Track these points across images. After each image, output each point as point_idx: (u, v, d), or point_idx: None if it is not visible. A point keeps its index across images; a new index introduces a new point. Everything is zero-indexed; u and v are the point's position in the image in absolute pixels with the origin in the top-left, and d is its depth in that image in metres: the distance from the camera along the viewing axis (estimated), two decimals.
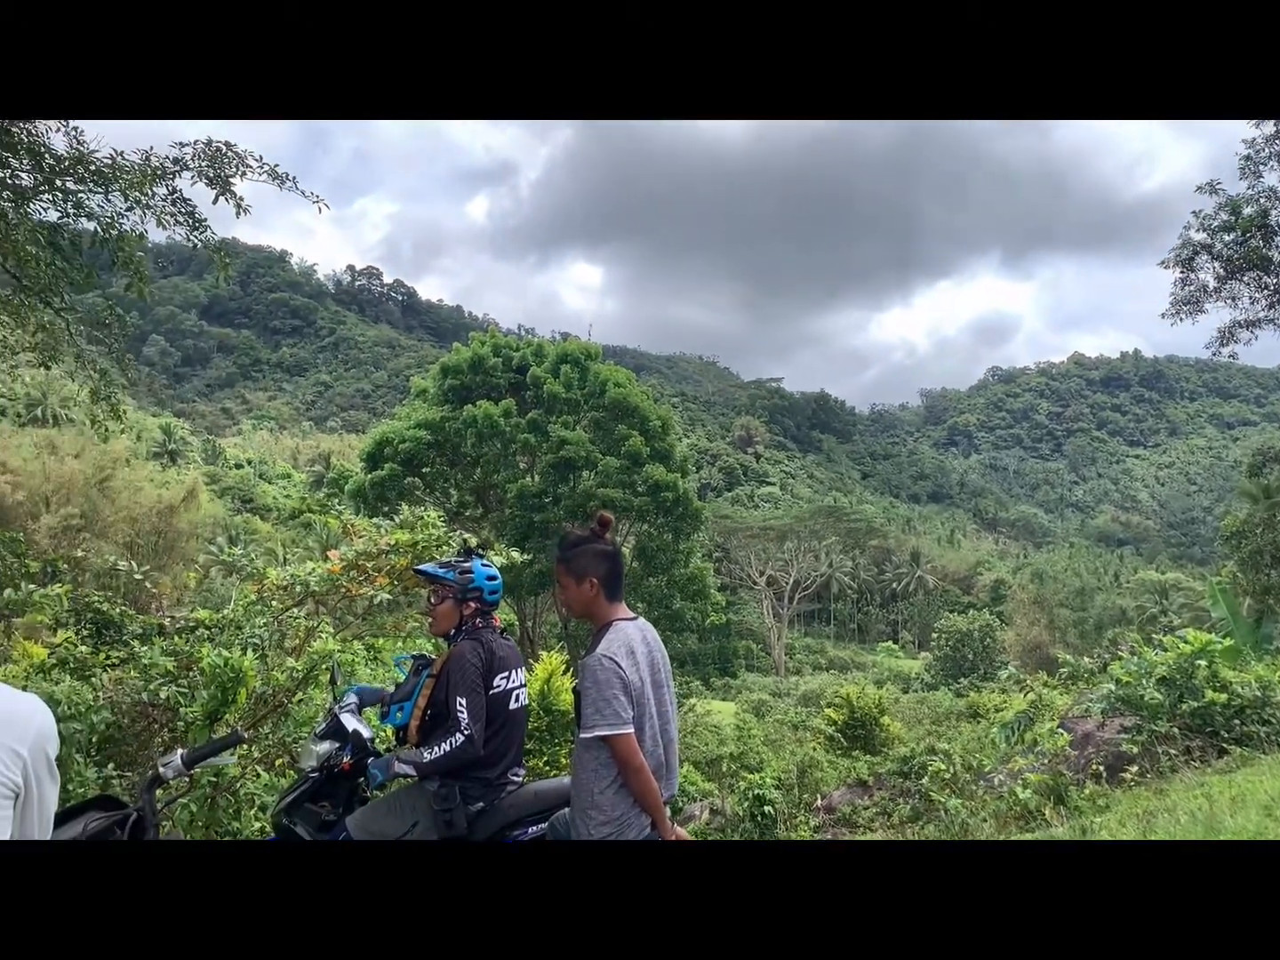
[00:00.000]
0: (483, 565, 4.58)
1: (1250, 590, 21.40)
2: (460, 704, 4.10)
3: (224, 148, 8.38)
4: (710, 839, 13.23)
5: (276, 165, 8.60)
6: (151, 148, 8.30)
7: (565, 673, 10.86)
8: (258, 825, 5.92)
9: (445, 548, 7.16)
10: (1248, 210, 19.44)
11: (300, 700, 6.69)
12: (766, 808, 13.58)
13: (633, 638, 3.59)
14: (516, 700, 4.39)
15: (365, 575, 7.19)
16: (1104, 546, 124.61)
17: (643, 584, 34.11)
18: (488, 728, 4.18)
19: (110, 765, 5.96)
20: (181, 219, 8.63)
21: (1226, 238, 19.95)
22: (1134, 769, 7.96)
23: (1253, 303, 20.40)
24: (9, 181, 8.13)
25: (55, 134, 7.94)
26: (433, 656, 4.66)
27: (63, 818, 2.71)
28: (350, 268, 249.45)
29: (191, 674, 6.40)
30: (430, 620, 4.57)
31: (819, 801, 14.62)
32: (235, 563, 8.20)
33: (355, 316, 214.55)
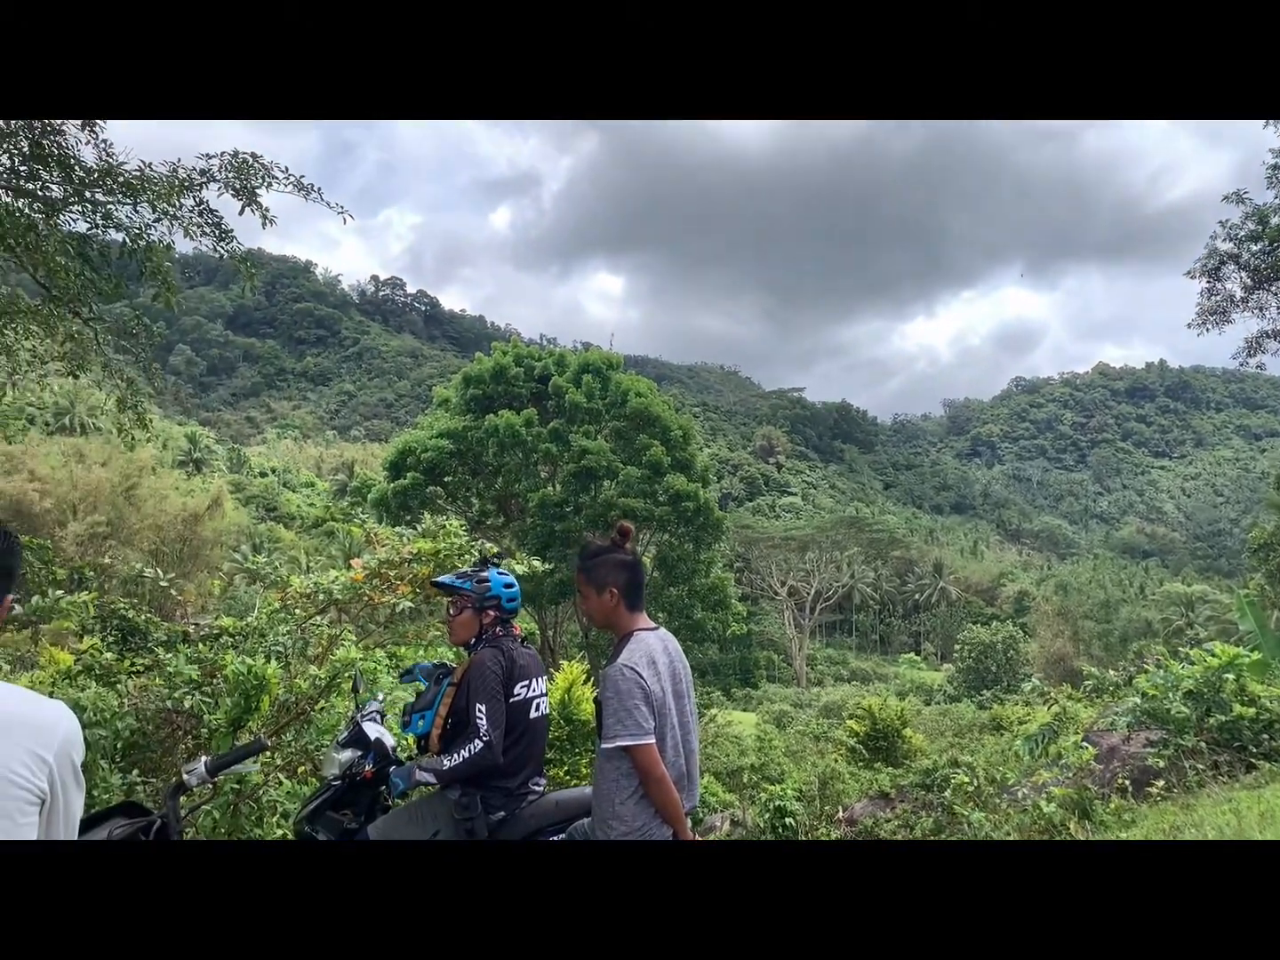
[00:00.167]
0: (499, 574, 4.59)
1: (1278, 603, 21.15)
2: (480, 711, 4.11)
3: (250, 159, 8.46)
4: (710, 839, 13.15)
5: (302, 176, 8.69)
6: (179, 159, 8.40)
7: (586, 682, 10.84)
8: (280, 832, 5.94)
9: (467, 557, 7.18)
10: (1275, 220, 19.26)
11: (322, 708, 6.71)
12: (788, 819, 13.51)
13: (654, 648, 3.58)
14: (537, 709, 4.39)
15: (388, 583, 7.22)
16: (1129, 558, 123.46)
17: (663, 594, 34.05)
18: (507, 736, 4.18)
19: (135, 771, 6.00)
20: (208, 230, 8.72)
21: (1254, 247, 19.78)
22: (1160, 783, 7.86)
23: None
24: (40, 193, 8.23)
25: (85, 146, 8.05)
26: (454, 665, 4.67)
27: (87, 824, 2.73)
28: (374, 278, 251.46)
29: (215, 681, 6.44)
30: (450, 630, 4.59)
31: (840, 814, 14.53)
32: (259, 570, 8.24)
33: (379, 326, 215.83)
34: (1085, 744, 9.49)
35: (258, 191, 8.52)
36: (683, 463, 35.00)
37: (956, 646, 66.63)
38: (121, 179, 8.07)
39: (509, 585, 4.57)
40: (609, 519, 31.16)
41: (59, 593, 8.84)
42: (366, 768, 4.22)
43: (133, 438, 10.14)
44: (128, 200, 8.29)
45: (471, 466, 34.79)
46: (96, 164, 8.09)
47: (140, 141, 8.71)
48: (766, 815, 13.78)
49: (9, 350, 9.75)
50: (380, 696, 4.83)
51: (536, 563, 8.10)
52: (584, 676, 10.94)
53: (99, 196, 8.31)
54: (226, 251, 8.96)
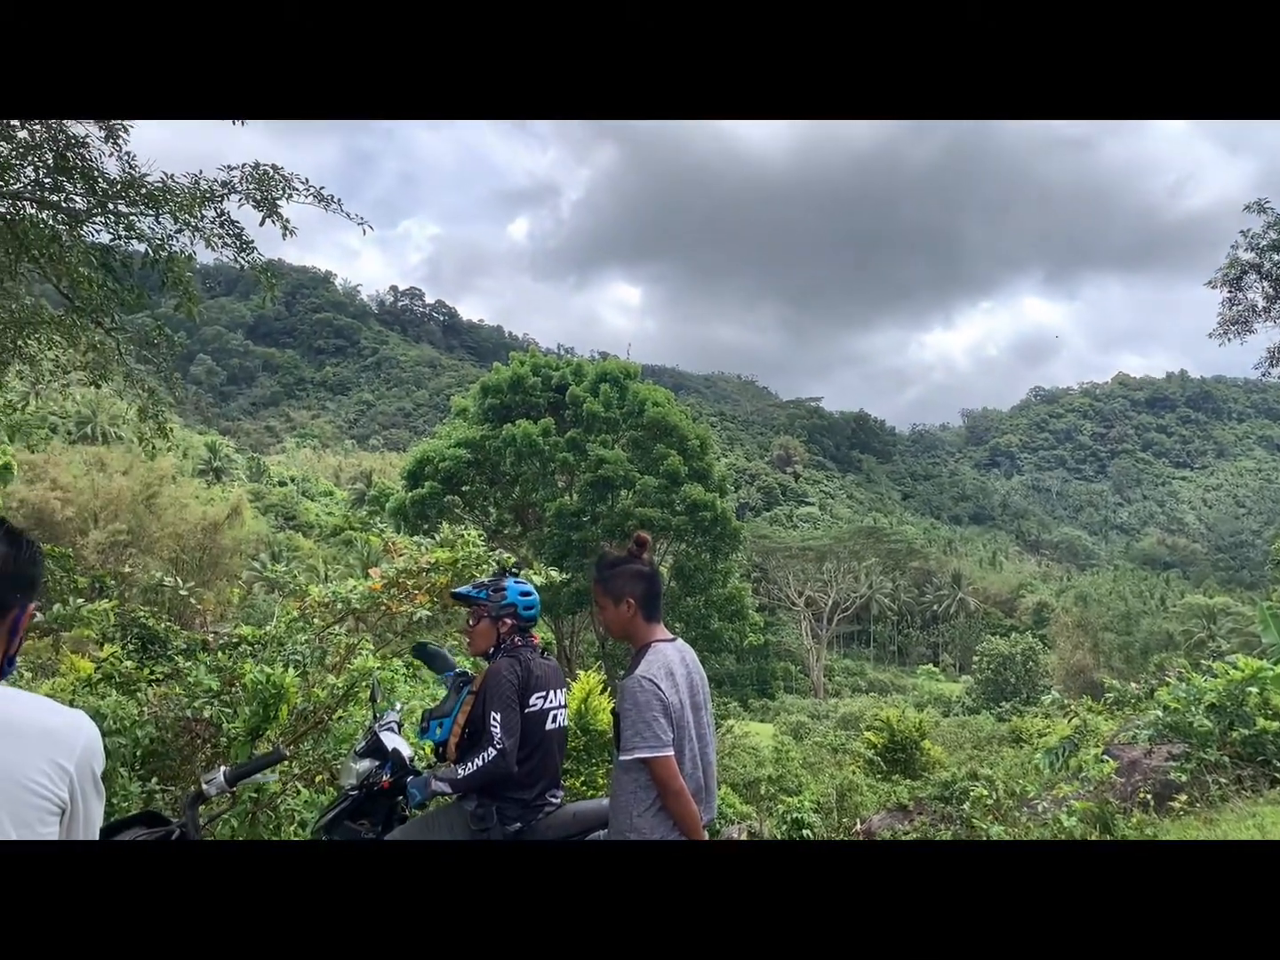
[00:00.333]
0: (516, 583, 4.60)
1: None
2: (494, 719, 4.11)
3: (271, 170, 8.53)
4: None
5: (322, 188, 8.74)
6: (200, 171, 8.47)
7: (603, 692, 10.82)
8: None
9: (485, 566, 7.19)
10: None
11: (340, 717, 6.72)
12: (805, 831, 13.45)
13: (671, 659, 3.57)
14: (554, 720, 4.38)
15: (406, 593, 7.23)
16: (1149, 569, 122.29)
17: (680, 604, 34.01)
18: (523, 746, 4.17)
19: (154, 780, 6.03)
20: (229, 241, 8.79)
21: (1275, 257, 19.66)
22: (1183, 798, 7.78)
23: None
24: (64, 205, 8.32)
25: (108, 158, 8.13)
26: (473, 674, 4.67)
27: (107, 833, 2.74)
28: (393, 288, 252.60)
29: (234, 690, 6.47)
30: (469, 640, 4.59)
31: (858, 826, 14.44)
32: (278, 579, 8.28)
33: (397, 336, 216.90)
34: (1106, 757, 9.40)
35: (278, 202, 8.58)
36: (700, 472, 34.97)
37: (975, 658, 66.31)
38: (144, 190, 8.14)
39: (525, 594, 4.57)
40: (626, 528, 31.18)
41: (80, 601, 8.90)
42: (384, 778, 4.22)
43: (154, 447, 10.22)
44: (150, 211, 8.36)
45: (489, 476, 34.87)
46: (119, 176, 8.17)
47: (162, 152, 8.80)
48: (784, 827, 13.71)
49: (32, 360, 9.84)
50: (398, 706, 4.84)
51: (554, 572, 8.10)
52: (600, 686, 10.92)
53: (122, 208, 8.39)
54: (247, 262, 9.02)
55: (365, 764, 4.29)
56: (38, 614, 2.19)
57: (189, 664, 6.97)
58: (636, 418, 35.09)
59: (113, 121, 7.86)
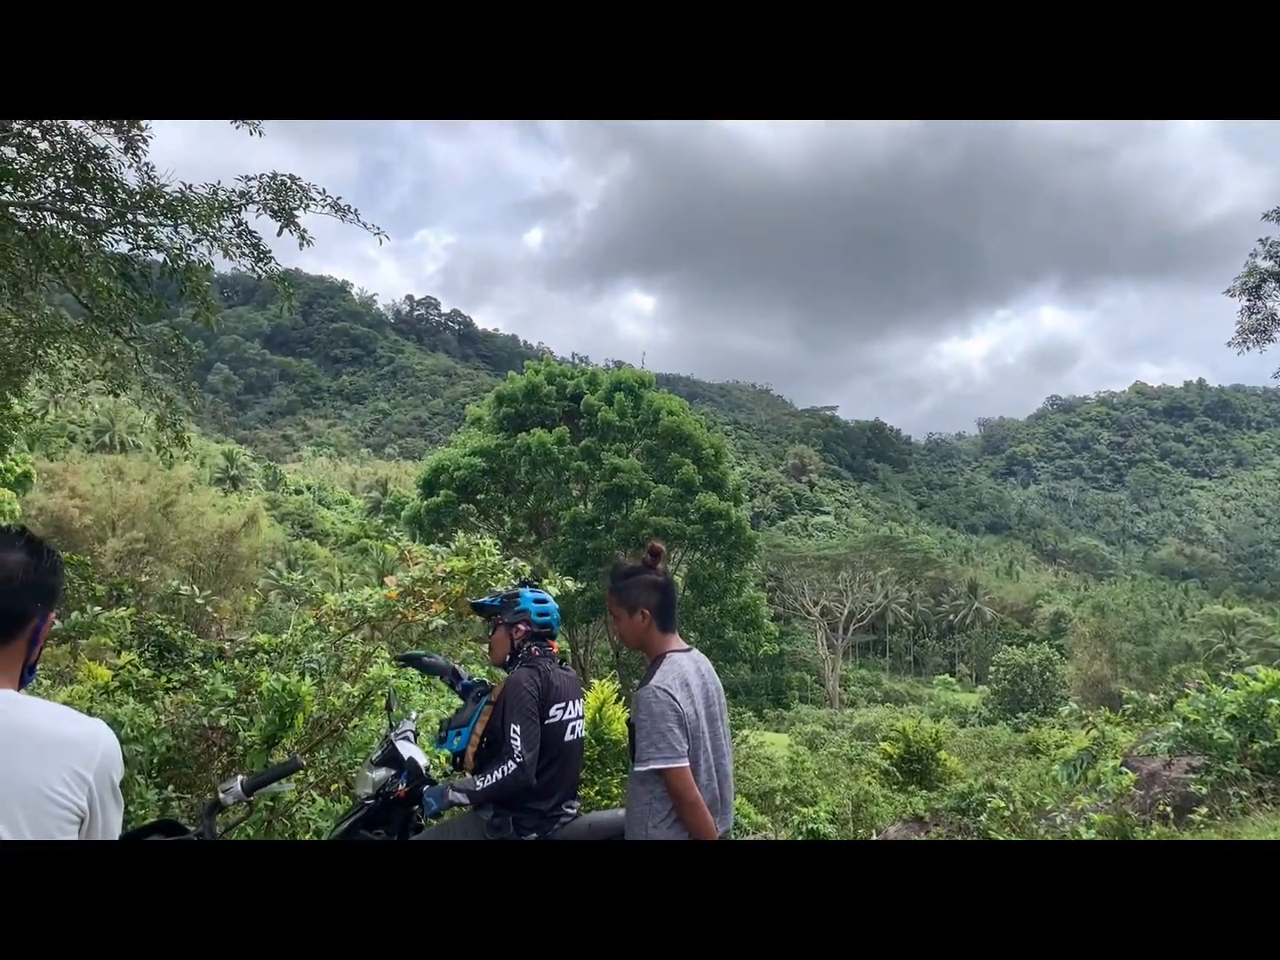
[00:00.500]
0: (531, 592, 4.60)
1: None
2: (514, 731, 4.10)
3: (288, 181, 8.58)
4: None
5: (339, 198, 8.79)
6: (219, 181, 8.54)
7: (617, 701, 10.81)
8: None
9: (500, 575, 7.20)
10: None
11: (356, 726, 6.73)
12: None
13: (687, 670, 3.55)
14: (573, 732, 4.37)
15: (421, 601, 7.24)
16: (1168, 579, 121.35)
17: (695, 613, 33.98)
18: (541, 758, 4.16)
19: (170, 787, 6.04)
20: (247, 250, 8.85)
21: None
22: (1203, 810, 7.70)
23: None
24: (84, 215, 8.39)
25: (128, 169, 8.20)
26: (492, 684, 4.67)
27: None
28: (409, 297, 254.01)
29: (250, 698, 6.48)
30: (488, 649, 4.61)
31: (874, 837, 14.37)
32: (294, 587, 8.31)
33: (413, 345, 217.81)
34: (1125, 769, 9.33)
35: (295, 213, 8.63)
36: (714, 481, 34.96)
37: (992, 668, 65.90)
38: (163, 201, 8.21)
39: (540, 601, 4.57)
40: (640, 537, 31.17)
41: (97, 609, 8.97)
42: (400, 787, 4.21)
43: (171, 455, 10.28)
44: (169, 221, 8.43)
45: (504, 484, 34.95)
46: (139, 186, 8.24)
47: (180, 163, 8.87)
48: (799, 838, 13.65)
49: (52, 369, 9.92)
50: (413, 715, 4.83)
51: (568, 581, 8.12)
52: (615, 696, 10.90)
53: (141, 218, 8.46)
54: (265, 272, 9.08)
55: (381, 773, 4.28)
56: (56, 622, 2.19)
57: (205, 672, 6.99)
58: (651, 426, 35.12)
59: (132, 132, 7.93)
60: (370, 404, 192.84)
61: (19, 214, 8.32)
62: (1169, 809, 7.94)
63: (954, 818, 13.18)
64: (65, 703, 5.37)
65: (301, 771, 6.17)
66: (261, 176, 8.53)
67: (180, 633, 9.49)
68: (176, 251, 8.60)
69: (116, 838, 2.00)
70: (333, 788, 6.53)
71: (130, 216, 8.41)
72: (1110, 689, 46.88)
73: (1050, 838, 8.80)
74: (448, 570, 7.25)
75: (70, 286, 8.79)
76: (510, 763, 4.05)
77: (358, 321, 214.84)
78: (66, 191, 8.27)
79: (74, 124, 7.94)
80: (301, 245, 8.81)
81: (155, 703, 6.87)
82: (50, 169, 8.12)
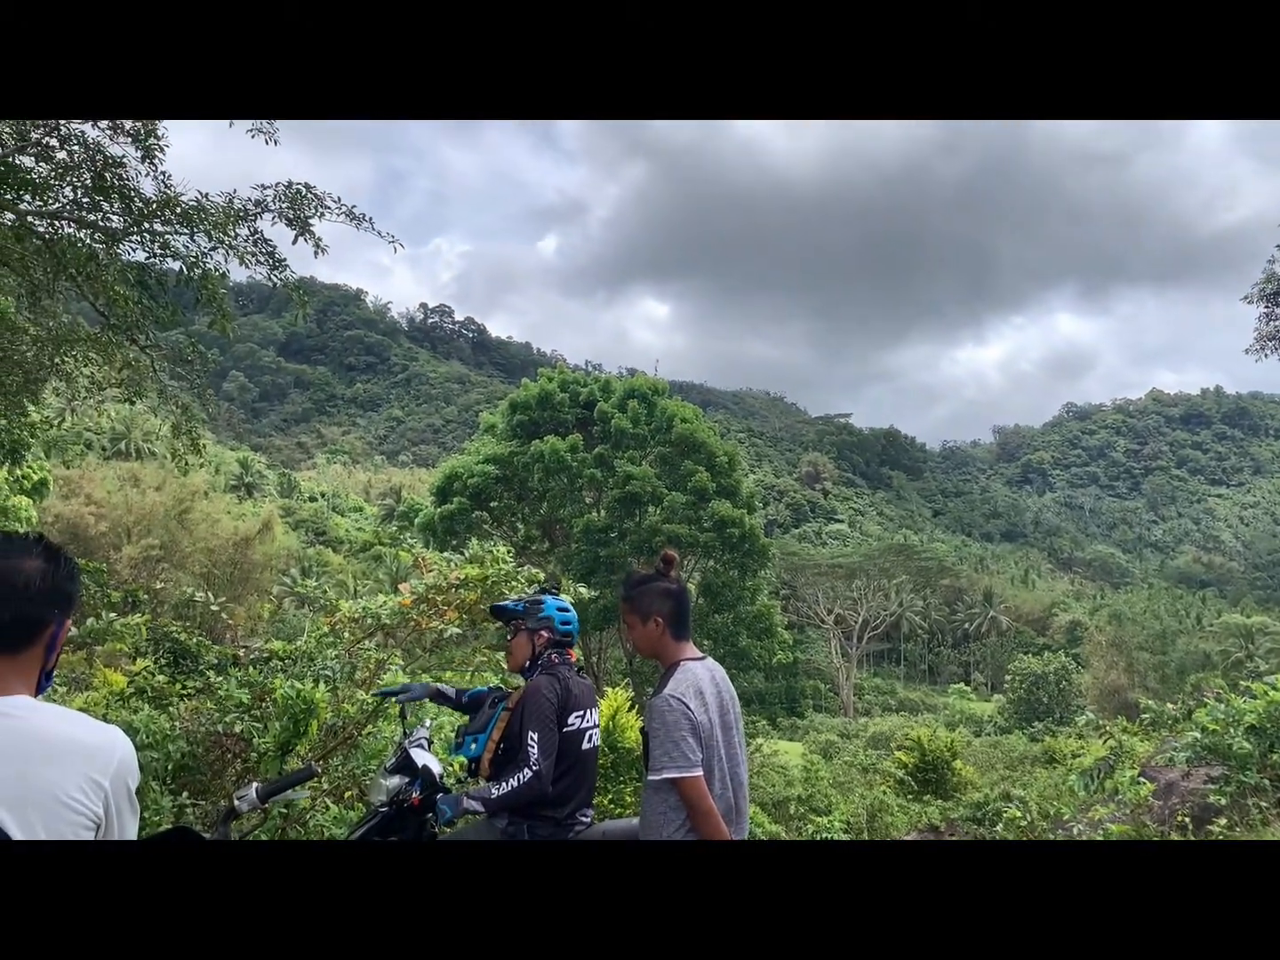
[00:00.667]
0: (554, 599, 4.60)
1: None
2: (532, 739, 4.09)
3: (304, 189, 8.63)
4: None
5: (354, 206, 8.84)
6: (234, 190, 8.59)
7: (630, 709, 10.80)
8: None
9: (514, 583, 7.19)
10: None
11: (370, 733, 6.73)
12: None
13: (701, 678, 3.54)
14: (589, 740, 4.36)
15: (435, 609, 7.24)
16: (1185, 588, 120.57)
17: (708, 621, 33.92)
18: (558, 766, 4.15)
19: (184, 794, 6.05)
20: (262, 258, 8.90)
21: None
22: (1222, 821, 7.64)
23: None
24: (101, 224, 8.45)
25: (145, 178, 8.25)
26: (509, 690, 4.67)
27: None
28: (423, 305, 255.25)
29: (265, 705, 6.49)
30: (507, 654, 4.60)
31: None
32: (308, 594, 8.34)
33: (427, 353, 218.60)
34: (1142, 779, 9.27)
35: (310, 221, 8.68)
36: (728, 489, 34.94)
37: (1007, 677, 65.54)
38: (179, 209, 8.26)
39: (563, 610, 4.57)
40: (654, 545, 31.16)
41: (113, 615, 9.00)
42: (414, 794, 4.20)
43: (186, 462, 10.34)
44: (185, 230, 8.49)
45: (517, 492, 35.01)
46: (155, 195, 8.30)
47: (196, 172, 8.93)
48: None
49: (69, 377, 9.99)
50: (427, 722, 4.83)
51: (581, 589, 8.11)
52: (628, 704, 10.89)
53: (157, 226, 8.52)
54: (280, 280, 9.13)
55: (395, 780, 4.27)
56: (73, 628, 2.19)
57: (220, 679, 7.01)
58: (664, 434, 35.14)
59: (149, 141, 7.98)
60: (384, 411, 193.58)
61: (37, 223, 8.39)
62: (1187, 819, 7.88)
63: (969, 827, 13.10)
64: (81, 709, 5.39)
65: (315, 779, 6.17)
66: (277, 185, 8.59)
67: (195, 639, 9.52)
68: (192, 260, 8.66)
69: None
70: (346, 795, 6.52)
71: (147, 225, 8.47)
72: (1127, 698, 46.57)
73: None
74: (461, 577, 7.25)
75: (87, 295, 8.85)
76: (526, 770, 4.03)
77: (372, 329, 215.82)
78: (84, 200, 8.33)
79: (91, 133, 8.01)
80: (316, 253, 8.86)
81: (170, 709, 6.90)
82: (68, 178, 8.18)
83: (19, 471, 19.62)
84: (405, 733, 4.66)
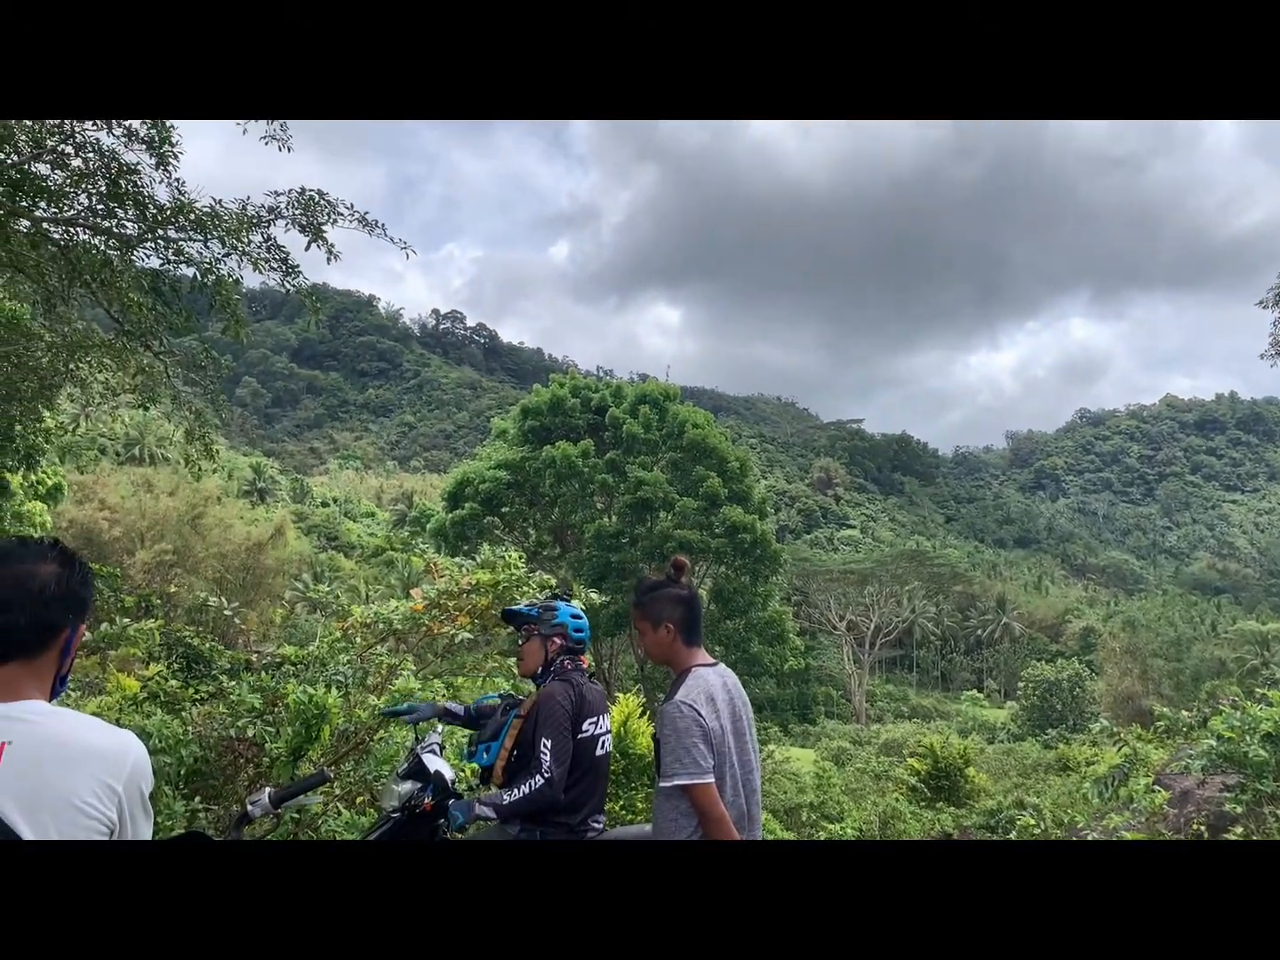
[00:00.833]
0: (568, 605, 4.60)
1: None
2: (544, 745, 4.09)
3: (317, 196, 8.67)
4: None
5: (366, 213, 8.87)
6: (248, 197, 8.63)
7: (642, 715, 10.79)
8: None
9: (526, 588, 7.19)
10: None
11: (381, 738, 6.74)
12: None
13: (713, 684, 3.53)
14: (602, 747, 4.35)
15: (447, 614, 7.25)
16: (1200, 594, 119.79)
17: (720, 627, 33.89)
18: (571, 773, 4.15)
19: (197, 799, 6.07)
20: (275, 265, 8.94)
21: None
22: (1238, 830, 7.58)
23: None
24: (115, 230, 8.50)
25: (159, 185, 8.30)
26: (521, 697, 4.66)
27: None
28: (435, 311, 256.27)
29: (277, 710, 6.51)
30: (518, 659, 4.59)
31: None
32: (320, 599, 8.38)
33: (439, 359, 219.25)
34: (1157, 787, 9.20)
35: (323, 227, 8.71)
36: (739, 494, 34.92)
37: (1020, 684, 65.22)
38: (193, 216, 8.30)
39: (577, 616, 4.57)
40: (665, 550, 31.16)
41: (126, 620, 9.03)
42: (426, 800, 4.19)
43: (199, 468, 10.38)
44: (199, 236, 8.53)
45: (528, 497, 35.06)
46: (170, 202, 8.34)
47: (210, 179, 8.97)
48: None
49: (83, 383, 10.05)
50: (439, 728, 4.83)
51: (593, 594, 8.11)
52: (640, 710, 10.88)
53: (171, 233, 8.56)
54: (293, 286, 9.17)
55: (407, 786, 4.27)
56: (86, 633, 2.20)
57: (233, 683, 7.03)
58: (676, 439, 35.15)
59: (163, 149, 8.03)
60: (396, 417, 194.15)
61: (52, 230, 8.44)
62: (1203, 828, 7.83)
63: (983, 835, 13.04)
64: (94, 713, 5.41)
65: (328, 784, 6.18)
66: (290, 192, 8.62)
67: (208, 644, 9.54)
68: (206, 266, 8.71)
69: None
70: (358, 800, 6.53)
71: (161, 231, 8.51)
72: (1141, 705, 46.31)
73: None
74: (473, 583, 7.26)
75: (102, 301, 8.90)
76: (538, 777, 4.03)
77: (384, 335, 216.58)
78: (99, 207, 8.38)
79: (106, 140, 8.06)
80: (329, 260, 8.89)
81: (183, 714, 6.91)
82: (83, 185, 8.23)
83: (34, 477, 19.74)
84: (417, 738, 4.66)
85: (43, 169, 8.19)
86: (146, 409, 10.28)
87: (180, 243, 8.64)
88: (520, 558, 7.73)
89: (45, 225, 8.37)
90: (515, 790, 4.05)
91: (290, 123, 8.45)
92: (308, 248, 8.77)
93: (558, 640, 4.47)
